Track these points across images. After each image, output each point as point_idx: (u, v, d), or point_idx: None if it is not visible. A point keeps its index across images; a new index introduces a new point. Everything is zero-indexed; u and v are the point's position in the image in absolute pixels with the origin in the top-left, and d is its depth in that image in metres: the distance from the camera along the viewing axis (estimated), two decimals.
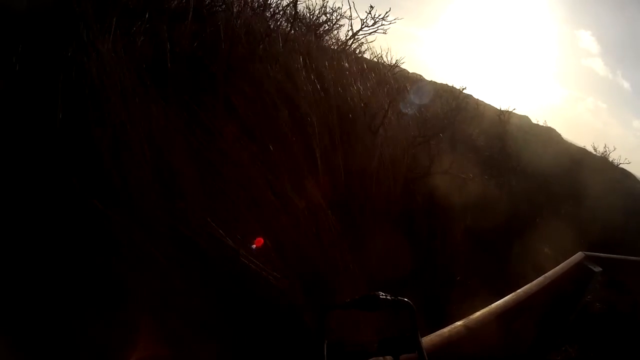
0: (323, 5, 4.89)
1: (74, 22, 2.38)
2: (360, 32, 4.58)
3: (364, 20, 4.38)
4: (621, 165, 10.50)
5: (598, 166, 9.53)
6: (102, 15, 2.51)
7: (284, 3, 4.18)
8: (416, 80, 7.32)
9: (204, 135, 2.32)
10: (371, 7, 4.19)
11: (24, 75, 2.07)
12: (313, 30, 4.79)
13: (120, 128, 2.07)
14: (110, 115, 2.07)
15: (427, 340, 1.29)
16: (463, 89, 7.10)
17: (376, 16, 4.32)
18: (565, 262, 2.75)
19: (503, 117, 8.80)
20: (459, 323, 1.48)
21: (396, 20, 4.33)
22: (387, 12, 4.23)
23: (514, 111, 9.11)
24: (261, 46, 3.50)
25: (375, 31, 4.46)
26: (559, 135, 11.59)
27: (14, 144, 1.87)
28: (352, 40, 4.76)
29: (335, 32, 5.16)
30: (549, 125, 11.69)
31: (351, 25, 4.95)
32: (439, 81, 8.47)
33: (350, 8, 4.95)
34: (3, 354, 1.39)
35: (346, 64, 4.30)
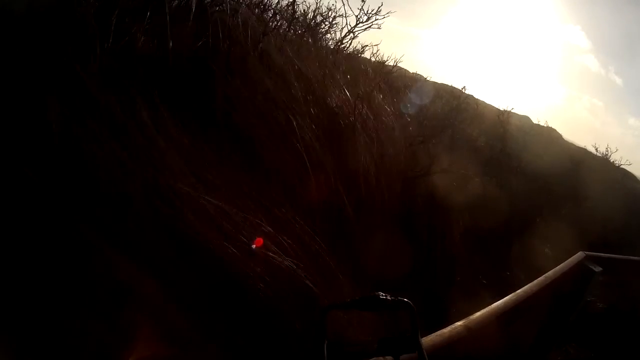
0: (317, 6, 4.86)
1: (74, 23, 2.37)
2: (356, 29, 4.56)
3: (358, 17, 4.38)
4: (622, 166, 10.49)
5: (598, 166, 9.52)
6: (103, 15, 2.50)
7: (283, 4, 4.16)
8: (416, 80, 7.31)
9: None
10: (362, 1, 4.18)
11: (23, 79, 2.06)
12: (310, 31, 4.78)
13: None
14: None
15: (427, 340, 1.28)
16: (463, 89, 7.11)
17: (369, 11, 4.33)
18: (565, 262, 2.75)
19: (503, 117, 8.79)
20: (459, 323, 1.47)
21: (389, 14, 4.33)
22: (379, 7, 4.24)
23: (514, 111, 9.12)
24: (260, 45, 3.50)
25: (370, 27, 4.44)
26: (560, 135, 11.59)
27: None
28: (347, 37, 4.73)
29: (333, 32, 5.13)
30: (549, 125, 11.68)
31: (346, 22, 4.93)
32: (439, 81, 8.47)
33: (343, 5, 4.89)
34: (3, 355, 1.39)
35: (334, 63, 4.32)
